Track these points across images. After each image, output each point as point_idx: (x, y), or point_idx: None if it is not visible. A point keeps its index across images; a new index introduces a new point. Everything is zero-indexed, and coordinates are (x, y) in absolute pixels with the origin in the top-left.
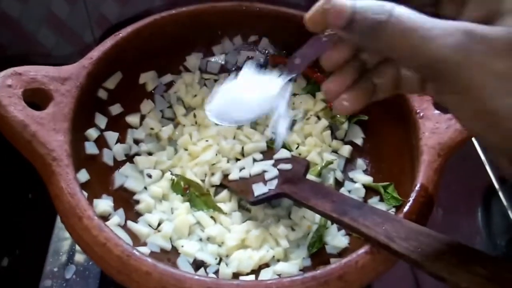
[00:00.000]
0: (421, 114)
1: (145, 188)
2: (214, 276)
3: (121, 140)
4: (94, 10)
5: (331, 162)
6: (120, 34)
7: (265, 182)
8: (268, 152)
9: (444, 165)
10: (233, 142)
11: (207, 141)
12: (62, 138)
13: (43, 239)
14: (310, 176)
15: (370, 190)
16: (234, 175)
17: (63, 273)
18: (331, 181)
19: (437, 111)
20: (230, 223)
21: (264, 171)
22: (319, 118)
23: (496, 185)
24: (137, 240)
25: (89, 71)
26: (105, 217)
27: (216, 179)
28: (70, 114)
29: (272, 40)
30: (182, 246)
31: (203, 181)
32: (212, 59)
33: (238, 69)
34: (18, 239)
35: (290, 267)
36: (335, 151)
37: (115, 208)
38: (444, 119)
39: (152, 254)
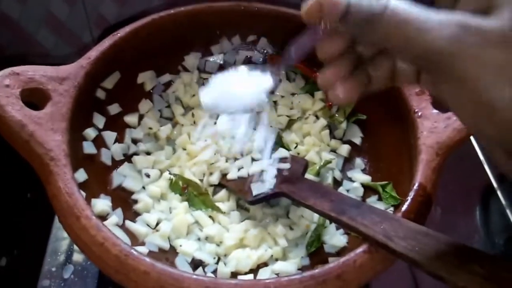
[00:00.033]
0: (420, 114)
1: (143, 187)
2: (212, 275)
3: (119, 139)
4: (93, 11)
5: (329, 162)
6: (118, 34)
7: (263, 181)
8: None
9: (443, 164)
10: (232, 142)
11: (205, 140)
12: (60, 138)
13: (41, 238)
14: (309, 176)
15: (368, 189)
16: (232, 175)
17: (61, 273)
18: (329, 180)
19: (435, 111)
20: (228, 223)
21: (263, 171)
22: (317, 117)
23: (495, 184)
24: (135, 239)
25: (87, 71)
26: (103, 217)
27: (215, 178)
28: (68, 114)
29: (270, 40)
30: (180, 246)
31: (201, 180)
32: (211, 58)
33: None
34: (17, 239)
35: (289, 266)
36: (333, 151)
37: (113, 207)
38: (443, 118)
39: (150, 253)
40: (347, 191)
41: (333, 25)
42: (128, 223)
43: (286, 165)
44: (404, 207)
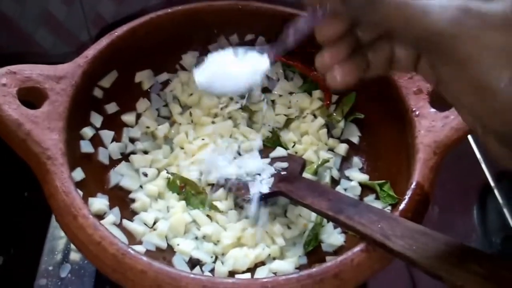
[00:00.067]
0: (417, 113)
1: (141, 186)
2: (209, 274)
3: (116, 138)
4: (91, 10)
5: (327, 161)
6: (116, 33)
7: (261, 180)
8: (264, 150)
9: (440, 163)
10: (229, 141)
11: (203, 139)
12: (57, 137)
13: (38, 237)
14: (306, 175)
15: (366, 188)
16: (230, 174)
17: (58, 272)
18: (327, 179)
19: (433, 109)
20: (226, 222)
21: (260, 170)
22: (315, 116)
23: (492, 183)
24: (132, 238)
25: (85, 70)
26: (100, 216)
27: (212, 177)
28: (65, 113)
29: (268, 39)
30: (178, 245)
31: (199, 179)
32: None
33: None
34: (14, 238)
35: (286, 265)
36: (331, 150)
37: (111, 206)
38: (440, 117)
39: (148, 252)
40: (345, 190)
41: (334, 6)
42: (126, 222)
43: (284, 164)
44: (401, 206)
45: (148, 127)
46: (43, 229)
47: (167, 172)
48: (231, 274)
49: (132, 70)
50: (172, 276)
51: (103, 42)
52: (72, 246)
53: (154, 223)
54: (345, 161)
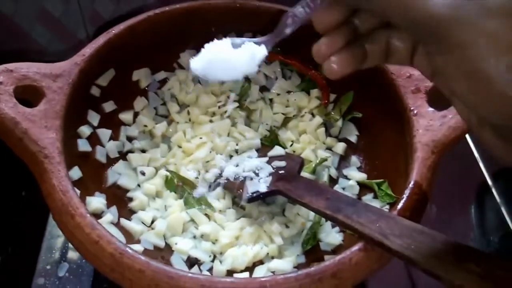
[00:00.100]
0: (415, 112)
1: (139, 185)
2: (208, 273)
3: (114, 137)
4: (88, 7)
5: (325, 159)
6: (113, 31)
7: (259, 179)
8: (262, 149)
9: (438, 162)
10: (227, 140)
11: (201, 138)
12: (54, 135)
13: (36, 236)
14: (304, 173)
15: (364, 187)
16: (228, 172)
17: (56, 271)
18: (325, 178)
19: (431, 109)
20: (224, 221)
21: (258, 169)
22: (313, 115)
23: (490, 182)
24: (130, 237)
25: (81, 68)
26: (98, 215)
27: (210, 176)
28: (62, 111)
29: None
30: (176, 244)
31: (196, 178)
32: None
33: None
34: (11, 237)
35: (284, 264)
36: (329, 148)
37: (108, 205)
38: (438, 116)
39: (146, 251)
40: (343, 189)
41: None
42: (123, 221)
43: (282, 163)
44: (399, 205)
45: (145, 126)
46: (41, 228)
47: (166, 170)
48: (230, 273)
49: (129, 68)
50: (170, 275)
51: (100, 40)
52: (70, 245)
53: (152, 222)
54: (343, 160)
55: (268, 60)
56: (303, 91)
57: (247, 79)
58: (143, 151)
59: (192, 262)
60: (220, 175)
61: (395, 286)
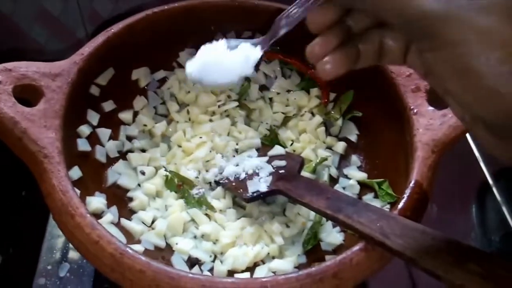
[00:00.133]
0: (415, 111)
1: (139, 185)
2: (208, 273)
3: (113, 137)
4: (87, 6)
5: (325, 159)
6: (112, 30)
7: (259, 179)
8: (262, 148)
9: (438, 162)
10: (227, 139)
11: (201, 137)
12: (54, 135)
13: (36, 236)
14: (305, 173)
15: (364, 187)
16: (228, 172)
17: (57, 271)
18: (325, 177)
19: (431, 108)
20: (224, 220)
21: (259, 168)
22: (313, 114)
23: (490, 181)
24: (130, 237)
25: (80, 67)
26: (98, 215)
27: (210, 175)
28: (62, 111)
29: None
30: (177, 244)
31: (197, 178)
32: None
33: None
34: (12, 237)
35: (285, 264)
36: (329, 148)
37: (108, 205)
38: (438, 115)
39: (146, 251)
40: (343, 188)
41: None
42: (124, 221)
43: (282, 163)
44: (400, 205)
45: (145, 125)
46: (41, 228)
47: (165, 170)
48: (230, 273)
49: (128, 67)
50: (171, 275)
51: (99, 39)
52: (71, 245)
53: (153, 222)
54: (344, 159)
55: (267, 59)
56: (303, 90)
57: (246, 78)
58: (143, 150)
59: (192, 262)
60: (220, 175)
61: (396, 286)
